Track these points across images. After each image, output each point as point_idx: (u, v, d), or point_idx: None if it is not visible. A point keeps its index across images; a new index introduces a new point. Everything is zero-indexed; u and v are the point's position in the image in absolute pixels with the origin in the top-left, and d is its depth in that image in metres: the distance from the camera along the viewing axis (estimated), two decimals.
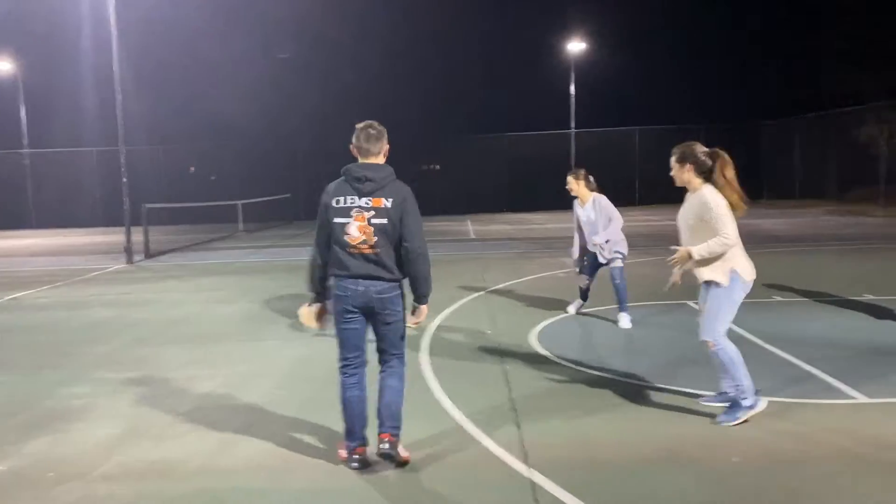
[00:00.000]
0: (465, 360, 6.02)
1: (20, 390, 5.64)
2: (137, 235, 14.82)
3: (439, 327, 7.27)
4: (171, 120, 30.64)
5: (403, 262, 3.77)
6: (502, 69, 34.56)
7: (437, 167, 30.12)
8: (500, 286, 9.69)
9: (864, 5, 24.23)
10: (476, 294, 9.14)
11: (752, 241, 14.04)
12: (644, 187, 27.53)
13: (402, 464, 3.87)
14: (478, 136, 28.93)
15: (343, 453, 3.97)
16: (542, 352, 6.18)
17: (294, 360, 6.25)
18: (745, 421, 4.31)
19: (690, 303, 8.02)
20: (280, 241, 18.46)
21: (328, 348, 6.58)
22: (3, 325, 8.33)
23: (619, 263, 7.30)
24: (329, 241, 3.79)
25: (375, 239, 3.69)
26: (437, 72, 34.64)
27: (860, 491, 3.48)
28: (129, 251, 14.23)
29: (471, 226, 21.69)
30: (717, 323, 4.35)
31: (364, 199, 3.71)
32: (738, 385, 4.32)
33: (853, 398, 4.77)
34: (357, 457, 3.89)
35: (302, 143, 28.74)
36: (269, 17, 33.09)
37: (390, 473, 3.84)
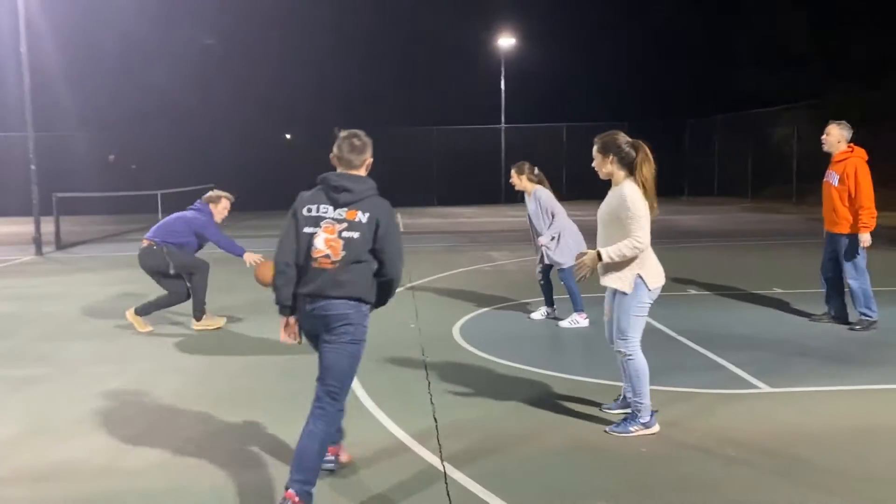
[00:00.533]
0: (386, 352, 5.97)
1: None
2: (48, 226, 14.14)
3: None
4: (99, 107, 29.39)
5: (376, 285, 3.44)
6: (433, 62, 34.56)
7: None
8: (427, 279, 9.68)
9: (775, 10, 25.26)
10: (402, 287, 9.10)
11: (671, 237, 14.53)
12: (571, 183, 28.02)
13: None
14: (407, 128, 28.83)
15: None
16: (465, 345, 6.20)
17: (208, 355, 6.07)
18: (637, 436, 4.11)
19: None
20: None
21: (242, 343, 6.45)
22: None
23: (564, 264, 6.74)
24: (296, 250, 3.38)
25: (342, 254, 3.30)
26: (366, 62, 34.38)
27: (760, 480, 3.61)
28: (38, 242, 13.57)
29: (400, 219, 21.59)
30: (629, 331, 4.15)
31: (338, 211, 3.35)
32: (638, 400, 4.16)
33: (758, 388, 4.96)
34: (331, 458, 3.66)
35: (225, 132, 28.00)
36: (197, 2, 32.08)
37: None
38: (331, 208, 3.38)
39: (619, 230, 4.12)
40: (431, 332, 6.65)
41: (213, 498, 3.51)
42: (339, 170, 3.52)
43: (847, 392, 4.84)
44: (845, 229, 6.42)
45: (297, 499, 3.14)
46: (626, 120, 28.26)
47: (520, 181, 7.04)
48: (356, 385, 5.11)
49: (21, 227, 19.29)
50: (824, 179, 6.64)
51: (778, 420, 4.36)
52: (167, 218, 7.24)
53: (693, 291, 8.51)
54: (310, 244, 3.33)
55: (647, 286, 4.13)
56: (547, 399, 4.80)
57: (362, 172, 3.54)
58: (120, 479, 3.73)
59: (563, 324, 6.85)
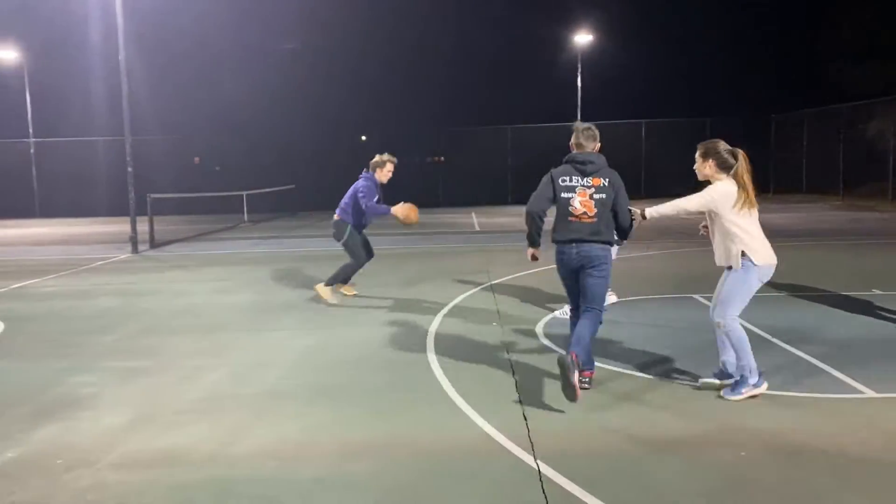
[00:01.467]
0: (471, 352, 6.02)
1: (28, 379, 5.65)
2: (143, 225, 14.84)
3: (445, 320, 7.27)
4: (180, 111, 30.67)
5: (616, 225, 4.86)
6: (509, 61, 34.47)
7: (442, 159, 30.09)
8: (506, 278, 9.68)
9: (863, 1, 24.07)
10: (481, 286, 9.14)
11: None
12: (648, 180, 27.46)
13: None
14: (482, 127, 28.86)
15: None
16: (548, 343, 6.18)
17: (301, 350, 6.25)
18: (752, 397, 4.62)
19: (696, 296, 8.01)
20: (284, 231, 18.47)
21: (335, 338, 6.62)
22: (10, 313, 8.35)
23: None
24: (545, 204, 4.84)
25: (596, 211, 4.75)
26: (442, 64, 34.58)
27: (868, 492, 3.47)
28: (134, 241, 14.25)
29: (475, 218, 21.65)
30: (729, 306, 4.65)
31: (586, 179, 4.77)
32: (743, 364, 4.62)
33: (861, 393, 4.76)
34: (585, 379, 4.80)
35: (306, 134, 28.71)
36: (277, 8, 33.00)
37: (398, 462, 3.84)
38: (579, 178, 4.80)
39: (717, 221, 4.70)
40: (515, 331, 6.66)
41: (317, 487, 3.62)
42: (576, 152, 4.91)
43: None
44: None
45: (575, 357, 4.39)
46: (708, 116, 27.52)
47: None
48: (444, 381, 5.18)
49: (114, 226, 20.34)
50: None
51: (887, 427, 4.17)
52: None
53: (785, 293, 8.22)
54: (568, 205, 4.79)
55: (754, 263, 4.60)
56: (635, 397, 4.74)
57: (596, 151, 4.92)
58: (225, 466, 3.89)
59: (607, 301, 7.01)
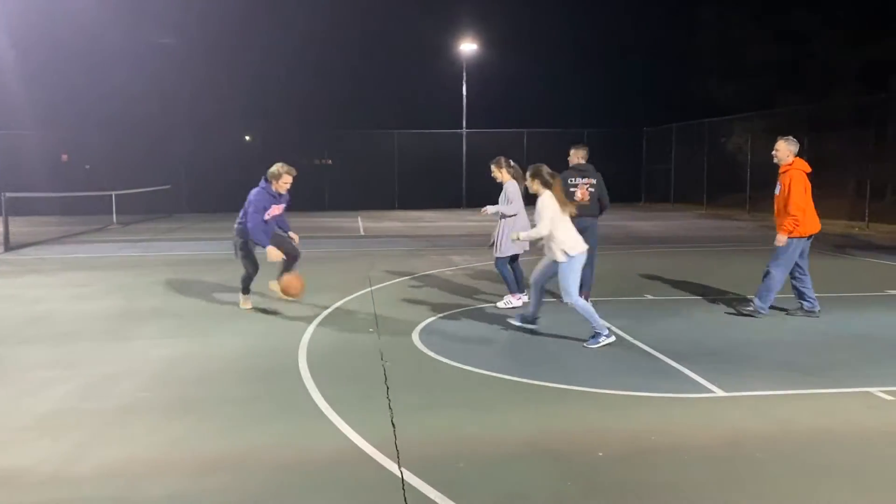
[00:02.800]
0: (344, 359, 5.93)
1: None
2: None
3: (320, 327, 7.14)
4: (53, 106, 28.59)
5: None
6: (395, 66, 34.50)
7: (329, 162, 29.71)
8: (387, 283, 9.63)
9: (733, 20, 25.84)
10: (362, 291, 9.05)
11: (629, 242, 14.73)
12: None
13: None
14: (370, 131, 28.73)
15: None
16: (424, 350, 6.18)
17: (162, 361, 5.94)
18: (607, 345, 6.13)
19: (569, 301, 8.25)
20: (157, 234, 17.61)
21: (200, 347, 6.34)
22: None
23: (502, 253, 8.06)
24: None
25: (589, 199, 7.63)
26: (330, 67, 34.14)
27: (715, 484, 3.67)
28: None
29: (361, 222, 21.50)
30: (569, 290, 6.17)
31: (584, 179, 7.71)
32: (593, 325, 6.19)
33: (713, 392, 5.04)
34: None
35: (185, 133, 27.54)
36: (156, 3, 31.45)
37: (256, 475, 3.71)
38: (580, 179, 7.72)
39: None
40: (391, 337, 6.62)
41: None
42: (575, 162, 7.82)
43: (800, 396, 4.95)
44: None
45: None
46: (586, 127, 28.66)
47: (500, 174, 8.07)
48: (313, 390, 5.07)
49: None
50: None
51: (733, 424, 4.44)
52: None
53: (650, 297, 8.63)
54: (575, 196, 7.47)
55: (569, 254, 6.13)
56: (505, 403, 4.81)
57: (584, 162, 7.83)
58: (66, 487, 3.62)
59: (499, 304, 7.97)
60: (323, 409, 4.69)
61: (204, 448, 4.10)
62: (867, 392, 4.99)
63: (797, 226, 7.12)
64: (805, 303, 7.43)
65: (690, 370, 5.52)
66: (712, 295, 8.69)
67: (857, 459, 3.90)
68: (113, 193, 20.79)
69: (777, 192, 7.32)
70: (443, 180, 27.45)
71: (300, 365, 5.72)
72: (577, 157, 7.84)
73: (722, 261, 12.02)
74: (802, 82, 23.25)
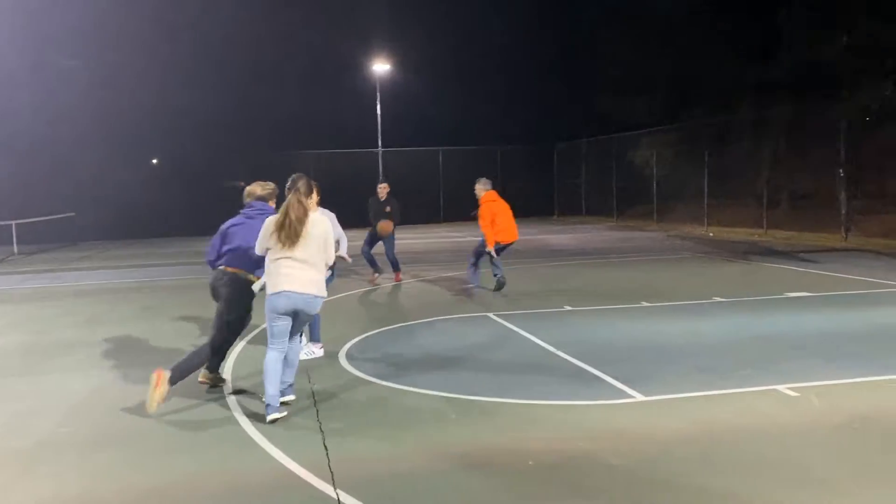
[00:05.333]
0: None
1: None
2: None
3: (245, 350, 7.02)
4: None
5: None
6: (309, 87, 34.23)
7: (241, 184, 29.10)
8: None
9: (635, 38, 27.01)
10: None
11: (544, 255, 15.10)
12: (448, 205, 28.54)
13: None
14: (283, 152, 28.37)
15: None
16: (351, 369, 6.18)
17: (78, 394, 5.71)
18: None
19: (491, 315, 8.42)
20: (63, 264, 16.81)
21: (119, 378, 6.13)
22: None
23: None
24: None
25: None
26: (241, 88, 33.53)
27: (640, 487, 3.84)
28: None
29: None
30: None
31: None
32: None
33: (633, 397, 5.26)
34: None
35: (87, 158, 26.42)
36: (61, 24, 30.05)
37: None
38: None
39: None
40: (318, 358, 6.58)
41: None
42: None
43: (714, 396, 5.22)
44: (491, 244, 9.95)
45: None
46: (500, 144, 29.27)
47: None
48: (240, 416, 4.99)
49: None
50: None
51: (654, 427, 4.65)
52: None
53: (568, 307, 8.89)
54: None
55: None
56: (436, 419, 4.87)
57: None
58: None
59: (302, 355, 6.22)
60: (252, 435, 4.63)
61: (133, 480, 3.98)
62: (775, 389, 5.32)
63: (493, 238, 9.88)
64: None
65: (611, 377, 5.73)
66: (627, 302, 9.03)
67: (774, 454, 4.16)
68: (13, 223, 19.72)
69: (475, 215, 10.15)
70: (360, 200, 27.34)
71: (226, 390, 5.61)
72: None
73: (633, 270, 12.49)
74: (704, 98, 24.48)
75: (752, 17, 22.75)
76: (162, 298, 10.60)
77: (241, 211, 6.02)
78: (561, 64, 33.54)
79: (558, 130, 31.70)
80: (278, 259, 4.91)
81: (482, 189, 10.15)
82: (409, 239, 12.32)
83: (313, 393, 5.51)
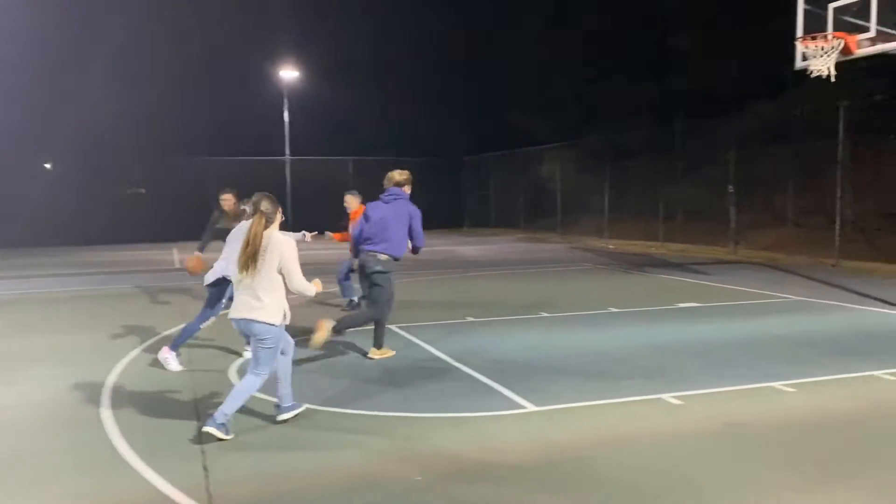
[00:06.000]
0: (153, 402, 5.56)
1: None
2: None
3: (128, 369, 6.66)
4: None
5: None
6: (215, 93, 33.26)
7: (142, 191, 27.99)
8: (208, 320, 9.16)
9: (542, 57, 27.73)
10: (177, 327, 8.55)
11: (452, 267, 15.17)
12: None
13: None
14: (187, 159, 27.45)
15: None
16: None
17: None
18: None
19: (393, 327, 8.33)
20: None
21: (29, 392, 5.68)
22: None
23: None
24: None
25: None
26: (143, 91, 32.22)
27: (531, 498, 3.85)
28: None
29: (177, 254, 20.37)
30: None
31: None
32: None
33: (525, 408, 5.29)
34: None
35: None
36: None
37: None
38: None
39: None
40: (206, 375, 6.32)
41: None
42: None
43: (603, 406, 5.32)
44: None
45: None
46: (409, 156, 29.30)
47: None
48: (117, 439, 4.71)
49: None
50: None
51: (544, 437, 4.69)
52: None
53: (471, 318, 8.91)
54: None
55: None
56: (327, 436, 4.75)
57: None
58: None
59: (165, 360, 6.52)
60: (127, 458, 4.37)
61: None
62: (660, 398, 5.47)
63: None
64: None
65: (506, 388, 5.76)
66: (528, 313, 9.15)
67: (653, 462, 4.26)
68: None
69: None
70: None
71: (102, 413, 5.29)
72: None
73: (536, 281, 12.71)
74: (605, 115, 25.35)
75: (651, 40, 23.82)
76: (49, 310, 9.98)
77: (380, 196, 6.78)
78: (472, 78, 34.02)
79: (469, 143, 32.13)
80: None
81: (354, 200, 9.41)
82: (315, 249, 12.10)
83: (197, 411, 5.27)
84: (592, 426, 4.90)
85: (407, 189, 6.76)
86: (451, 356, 6.84)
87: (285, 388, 4.99)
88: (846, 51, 8.06)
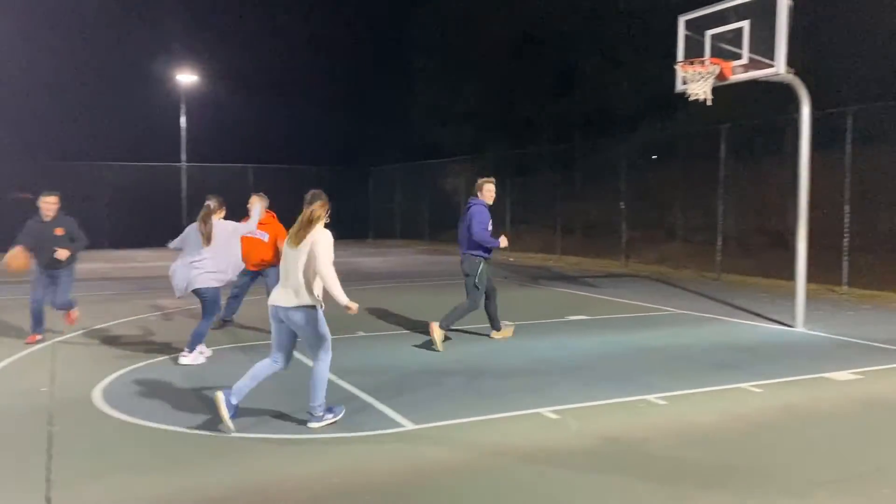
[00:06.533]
0: (2, 426, 5.16)
1: None
2: None
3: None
4: None
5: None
6: (108, 95, 31.78)
7: (30, 196, 26.31)
8: (76, 334, 8.65)
9: (446, 72, 28.02)
10: (42, 345, 8.01)
11: (355, 279, 14.95)
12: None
13: None
14: (76, 163, 26.03)
15: None
16: (105, 409, 5.60)
17: None
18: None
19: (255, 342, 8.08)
20: None
21: None
22: None
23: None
24: None
25: None
26: (30, 92, 30.41)
27: None
28: None
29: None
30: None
31: None
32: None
33: (403, 426, 5.21)
34: None
35: None
36: None
37: None
38: None
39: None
40: (67, 397, 5.91)
41: None
42: None
43: (482, 421, 5.31)
44: None
45: None
46: (315, 164, 28.88)
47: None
48: None
49: None
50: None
51: (419, 456, 4.62)
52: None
53: (362, 333, 8.77)
54: None
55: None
56: (190, 460, 4.52)
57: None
58: None
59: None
60: None
61: None
62: (538, 413, 5.51)
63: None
64: None
65: (386, 405, 5.67)
66: (420, 328, 9.09)
67: (527, 478, 4.27)
68: None
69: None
70: (160, 217, 25.71)
71: None
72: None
73: (434, 294, 12.70)
74: (508, 131, 25.84)
75: (553, 59, 24.48)
76: None
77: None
78: (381, 88, 33.96)
79: (374, 153, 31.97)
80: None
81: (259, 203, 8.53)
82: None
83: (50, 436, 4.91)
84: (468, 443, 4.87)
85: (479, 194, 8.11)
86: (335, 373, 6.64)
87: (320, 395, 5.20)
88: (722, 76, 8.46)
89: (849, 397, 6.02)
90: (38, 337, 8.07)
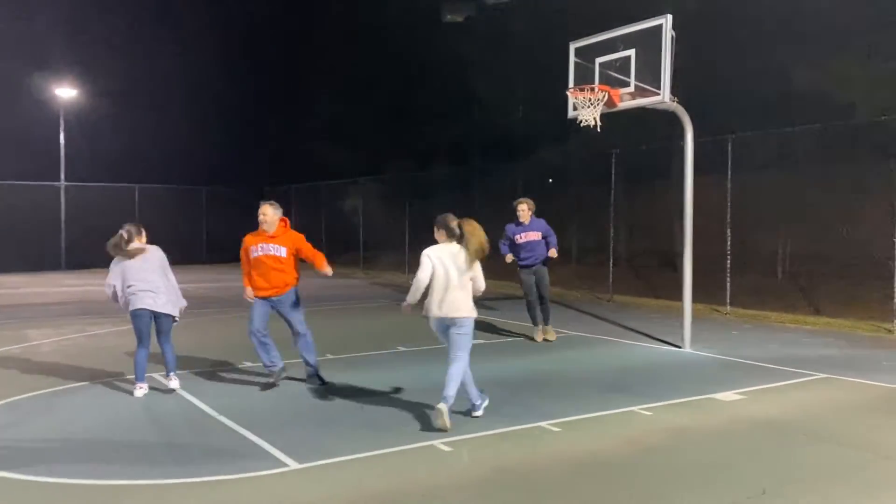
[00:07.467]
0: None
1: None
2: None
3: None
4: None
5: None
6: None
7: None
8: None
9: (344, 90, 27.82)
10: None
11: (242, 304, 14.21)
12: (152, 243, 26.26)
13: None
14: None
15: None
16: None
17: None
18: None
19: (156, 374, 7.54)
20: None
21: None
22: None
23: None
24: None
25: None
26: None
27: None
28: None
29: None
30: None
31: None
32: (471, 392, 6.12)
33: (287, 465, 4.88)
34: None
35: None
36: None
37: None
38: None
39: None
40: None
41: None
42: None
43: (371, 457, 5.03)
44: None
45: None
46: (204, 184, 27.84)
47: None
48: None
49: None
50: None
51: (300, 499, 4.31)
52: None
53: (248, 363, 8.32)
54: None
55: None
56: None
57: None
58: None
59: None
60: None
61: None
62: (431, 445, 5.30)
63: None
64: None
65: (269, 443, 5.30)
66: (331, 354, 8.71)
67: None
68: None
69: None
70: (36, 239, 24.01)
71: None
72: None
73: (329, 319, 12.32)
74: (407, 152, 25.80)
75: (452, 83, 24.71)
76: None
77: None
78: (276, 108, 33.18)
79: (267, 173, 31.12)
80: None
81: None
82: (91, 286, 10.78)
83: None
84: (354, 483, 4.60)
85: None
86: (215, 409, 6.24)
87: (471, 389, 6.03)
88: (610, 103, 8.64)
89: (734, 418, 6.14)
90: None
